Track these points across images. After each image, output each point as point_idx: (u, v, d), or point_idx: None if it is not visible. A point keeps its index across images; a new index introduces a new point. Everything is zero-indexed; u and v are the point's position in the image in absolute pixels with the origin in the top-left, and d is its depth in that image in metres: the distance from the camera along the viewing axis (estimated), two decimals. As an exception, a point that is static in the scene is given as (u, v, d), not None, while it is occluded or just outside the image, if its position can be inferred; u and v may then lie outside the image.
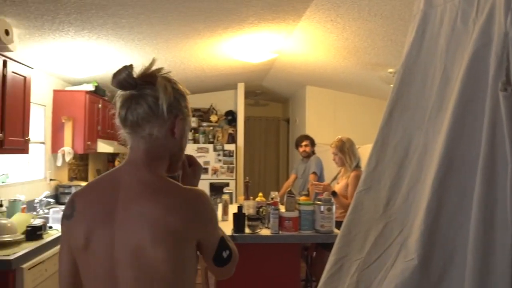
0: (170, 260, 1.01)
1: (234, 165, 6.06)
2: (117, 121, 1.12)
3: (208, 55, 4.15)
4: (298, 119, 6.87)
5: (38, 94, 4.04)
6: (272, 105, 8.55)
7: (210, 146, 6.02)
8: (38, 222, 2.86)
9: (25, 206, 3.48)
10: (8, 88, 2.79)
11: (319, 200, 3.08)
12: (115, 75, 1.07)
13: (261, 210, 3.31)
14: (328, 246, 3.49)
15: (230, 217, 3.44)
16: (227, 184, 5.99)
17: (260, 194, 3.88)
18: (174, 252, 1.02)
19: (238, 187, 6.14)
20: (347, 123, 6.07)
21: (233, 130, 6.38)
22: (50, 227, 3.02)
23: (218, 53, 4.12)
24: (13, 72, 2.86)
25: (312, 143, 4.76)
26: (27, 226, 2.67)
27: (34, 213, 3.73)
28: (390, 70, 4.29)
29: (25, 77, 3.04)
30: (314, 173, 4.56)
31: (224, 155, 6.03)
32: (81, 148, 4.35)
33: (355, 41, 3.62)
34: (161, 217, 1.01)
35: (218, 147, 6.05)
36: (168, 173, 1.15)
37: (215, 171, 5.97)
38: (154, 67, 1.12)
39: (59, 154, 4.26)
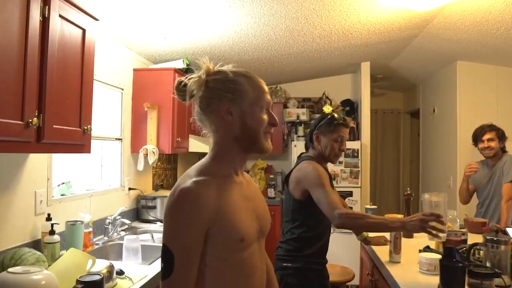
0: None
1: (360, 169, 4.61)
2: None
3: (345, 9, 2.78)
4: (436, 109, 5.24)
5: (114, 73, 2.97)
6: (390, 94, 6.93)
7: (327, 144, 4.62)
8: (100, 267, 1.70)
9: (90, 229, 2.38)
10: (53, 43, 1.66)
11: None
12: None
13: (473, 251, 1.85)
14: None
15: (408, 258, 2.05)
16: (350, 194, 4.59)
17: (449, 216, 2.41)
18: None
19: (363, 198, 4.68)
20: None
21: (353, 123, 4.94)
22: (120, 272, 1.84)
23: (360, 3, 2.74)
24: (62, 17, 1.72)
25: (501, 136, 3.15)
26: (78, 281, 1.48)
27: (106, 238, 2.63)
28: None
29: (84, 30, 1.90)
30: (512, 182, 2.97)
31: (346, 155, 4.61)
32: (169, 146, 3.21)
33: None
34: None
35: (338, 145, 4.63)
36: (256, 153, 1.20)
37: (334, 177, 4.57)
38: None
39: (141, 155, 3.16)
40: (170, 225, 1.04)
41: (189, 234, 1.03)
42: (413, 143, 6.81)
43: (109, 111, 3.03)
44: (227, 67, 1.22)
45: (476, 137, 3.22)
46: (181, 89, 1.20)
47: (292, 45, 3.62)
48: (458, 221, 2.70)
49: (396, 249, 2.12)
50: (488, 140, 3.13)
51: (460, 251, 1.95)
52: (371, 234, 2.58)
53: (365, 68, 4.87)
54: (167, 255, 1.03)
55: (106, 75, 2.85)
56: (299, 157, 2.35)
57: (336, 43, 3.74)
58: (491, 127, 3.18)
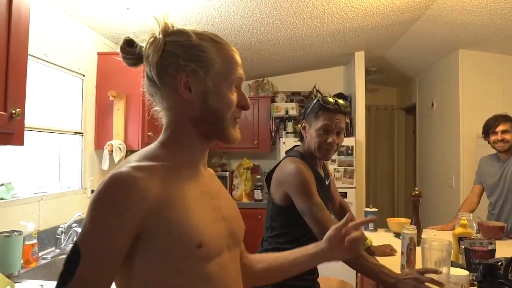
0: None
1: (354, 168, 4.22)
2: None
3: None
4: (435, 103, 4.88)
5: (73, 56, 2.54)
6: (383, 90, 6.56)
7: (318, 141, 4.22)
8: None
9: (34, 241, 1.94)
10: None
11: None
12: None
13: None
14: None
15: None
16: (344, 195, 4.19)
17: (463, 220, 2.02)
18: None
19: (358, 199, 4.29)
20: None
21: (347, 118, 4.56)
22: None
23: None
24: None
25: (517, 128, 2.79)
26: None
27: (58, 250, 2.19)
28: None
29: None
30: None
31: (340, 153, 4.21)
32: (138, 141, 2.78)
33: None
34: None
35: (330, 142, 4.23)
36: (221, 142, 0.95)
37: (327, 177, 4.17)
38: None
39: (105, 152, 2.73)
40: (88, 219, 0.77)
41: (111, 232, 0.76)
42: (408, 141, 6.47)
43: (67, 100, 2.59)
44: (191, 28, 0.94)
45: (489, 128, 2.85)
46: (128, 50, 0.93)
47: (280, 28, 3.21)
48: (475, 226, 2.32)
49: (410, 262, 1.72)
50: (503, 132, 2.75)
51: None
52: (375, 243, 2.18)
53: (359, 59, 4.49)
54: (72, 256, 0.76)
55: (62, 57, 2.42)
56: (288, 151, 1.93)
57: (329, 27, 3.34)
58: (506, 118, 2.81)
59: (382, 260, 1.98)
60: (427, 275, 1.36)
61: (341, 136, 1.79)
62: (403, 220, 2.61)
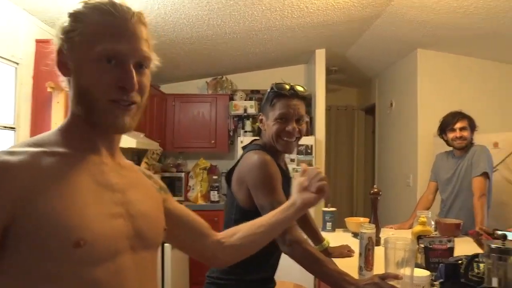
0: None
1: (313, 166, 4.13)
2: None
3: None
4: (394, 103, 4.88)
5: (5, 43, 2.29)
6: (343, 90, 6.54)
7: (277, 140, 4.11)
8: None
9: None
10: None
11: None
12: None
13: (476, 263, 1.37)
14: None
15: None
16: (303, 195, 4.09)
17: (423, 218, 1.94)
18: None
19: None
20: (480, 104, 4.04)
21: (307, 116, 4.48)
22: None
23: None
24: None
25: (472, 125, 2.77)
26: None
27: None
28: None
29: None
30: (484, 174, 2.58)
31: (299, 152, 4.11)
32: (81, 136, 2.56)
33: None
34: None
35: (290, 141, 4.13)
36: (105, 130, 0.82)
37: (286, 176, 4.07)
38: None
39: (43, 148, 2.48)
40: None
41: None
42: (367, 141, 6.49)
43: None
44: None
45: (446, 126, 2.81)
46: None
47: (238, 20, 3.07)
48: (433, 223, 2.26)
49: (368, 264, 1.61)
50: (461, 129, 2.73)
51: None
52: (333, 243, 2.07)
53: (320, 57, 4.41)
54: None
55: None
56: (245, 146, 1.75)
57: (289, 20, 3.23)
58: (463, 115, 2.80)
59: (339, 262, 1.87)
60: (388, 281, 1.25)
61: (302, 124, 1.64)
62: (361, 219, 2.52)
